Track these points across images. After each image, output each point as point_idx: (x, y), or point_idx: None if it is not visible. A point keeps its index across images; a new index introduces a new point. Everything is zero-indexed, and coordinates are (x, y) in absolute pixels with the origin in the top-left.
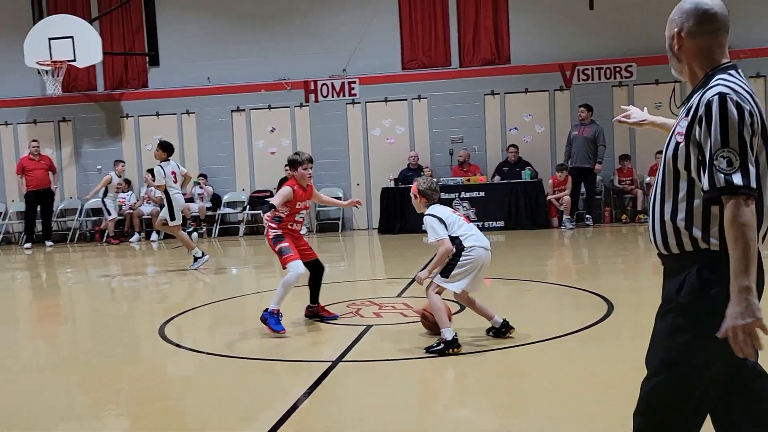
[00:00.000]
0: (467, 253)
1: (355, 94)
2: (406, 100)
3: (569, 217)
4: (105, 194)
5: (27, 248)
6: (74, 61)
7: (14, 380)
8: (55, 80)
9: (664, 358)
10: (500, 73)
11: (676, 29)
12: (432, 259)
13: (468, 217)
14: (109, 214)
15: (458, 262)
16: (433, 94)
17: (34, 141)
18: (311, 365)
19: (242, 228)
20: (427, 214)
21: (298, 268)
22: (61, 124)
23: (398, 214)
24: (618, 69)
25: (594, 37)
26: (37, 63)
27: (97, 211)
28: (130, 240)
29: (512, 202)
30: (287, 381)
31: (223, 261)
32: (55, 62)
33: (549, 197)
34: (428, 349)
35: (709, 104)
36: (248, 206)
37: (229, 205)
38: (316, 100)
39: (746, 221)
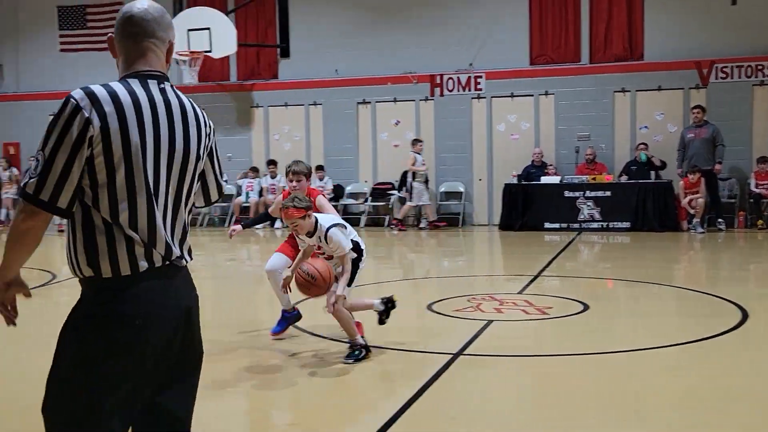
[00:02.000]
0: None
1: (480, 89)
2: (532, 96)
3: (699, 220)
4: (243, 176)
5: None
6: (210, 52)
7: None
8: (192, 70)
9: None
10: (632, 69)
11: None
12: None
13: None
14: (239, 195)
15: (360, 267)
16: (560, 90)
17: None
18: (432, 356)
19: (363, 219)
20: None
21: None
22: None
23: (520, 211)
24: (760, 67)
25: (735, 34)
26: (176, 54)
27: (226, 197)
28: (256, 227)
29: (639, 203)
30: (408, 370)
31: None
32: (192, 53)
33: (683, 199)
34: (347, 358)
35: None
36: (370, 198)
37: (351, 196)
38: (442, 94)
39: None
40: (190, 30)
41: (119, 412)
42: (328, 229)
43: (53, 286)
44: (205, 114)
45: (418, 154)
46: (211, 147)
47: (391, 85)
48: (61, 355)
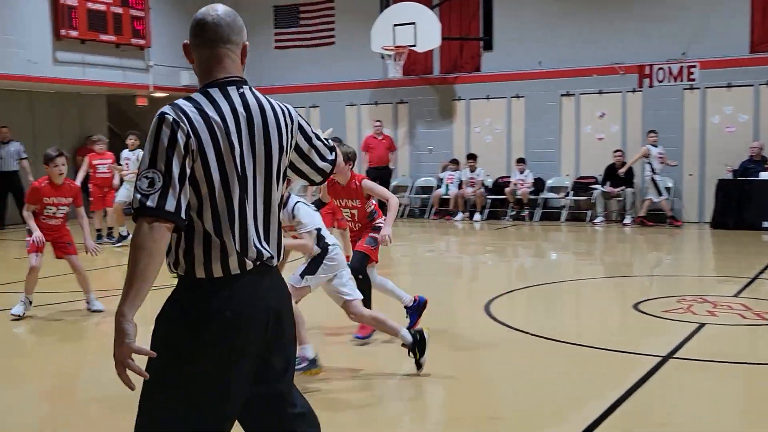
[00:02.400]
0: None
1: (693, 79)
2: (752, 86)
3: None
4: (444, 169)
5: None
6: (415, 46)
7: None
8: (397, 64)
9: None
10: None
11: None
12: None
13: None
14: (439, 187)
15: (325, 264)
16: None
17: (378, 121)
18: (640, 358)
19: (564, 213)
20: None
21: None
22: (399, 106)
23: (735, 208)
24: None
25: None
26: (382, 48)
27: (427, 189)
28: (455, 219)
29: None
30: (614, 371)
31: (543, 246)
32: (397, 47)
33: None
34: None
35: None
36: (571, 192)
37: (552, 190)
38: (651, 85)
39: None
40: (395, 25)
41: (216, 410)
42: (295, 204)
43: None
44: (287, 108)
45: (653, 146)
46: (296, 140)
47: (596, 76)
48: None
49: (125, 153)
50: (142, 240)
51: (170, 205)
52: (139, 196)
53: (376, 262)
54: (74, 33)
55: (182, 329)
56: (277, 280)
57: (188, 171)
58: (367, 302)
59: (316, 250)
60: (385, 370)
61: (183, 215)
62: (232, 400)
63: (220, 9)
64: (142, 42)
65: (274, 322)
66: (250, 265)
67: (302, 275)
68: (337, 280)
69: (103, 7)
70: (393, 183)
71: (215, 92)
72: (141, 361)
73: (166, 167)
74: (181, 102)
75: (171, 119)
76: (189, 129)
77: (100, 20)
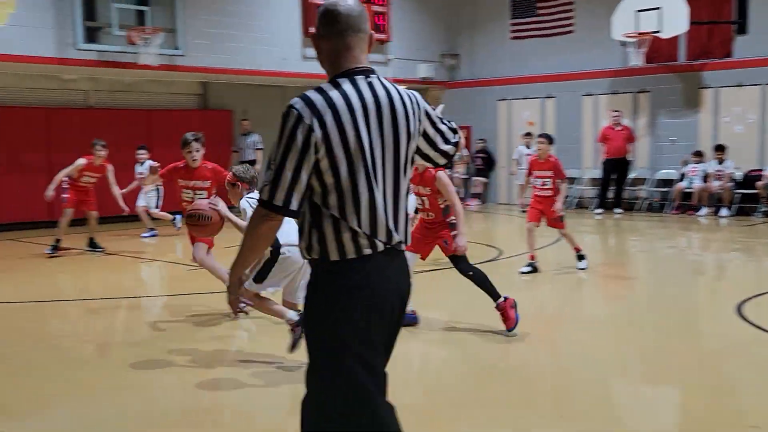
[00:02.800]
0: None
1: None
2: None
3: None
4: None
5: (597, 214)
6: (659, 32)
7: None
8: (639, 52)
9: None
10: None
11: None
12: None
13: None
14: (681, 180)
15: (278, 265)
16: None
17: (616, 111)
18: None
19: None
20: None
21: None
22: (639, 95)
23: None
24: None
25: None
26: (624, 35)
27: (667, 182)
28: (698, 214)
29: None
30: None
31: None
32: (641, 34)
33: None
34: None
35: None
36: None
37: None
38: None
39: None
40: (639, 11)
41: (365, 371)
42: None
43: (500, 261)
44: (414, 95)
45: None
46: (423, 126)
47: None
48: (306, 326)
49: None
50: (253, 225)
51: (278, 200)
52: (266, 188)
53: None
54: None
55: (322, 306)
56: (404, 264)
57: (306, 166)
58: (493, 293)
59: (266, 254)
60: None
61: (294, 207)
62: (376, 366)
63: (349, 0)
64: (383, 36)
65: (399, 303)
66: (380, 246)
67: (254, 280)
68: (293, 283)
69: None
70: (631, 175)
71: (344, 83)
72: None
73: (281, 162)
74: (311, 93)
75: (296, 114)
76: (313, 123)
77: None
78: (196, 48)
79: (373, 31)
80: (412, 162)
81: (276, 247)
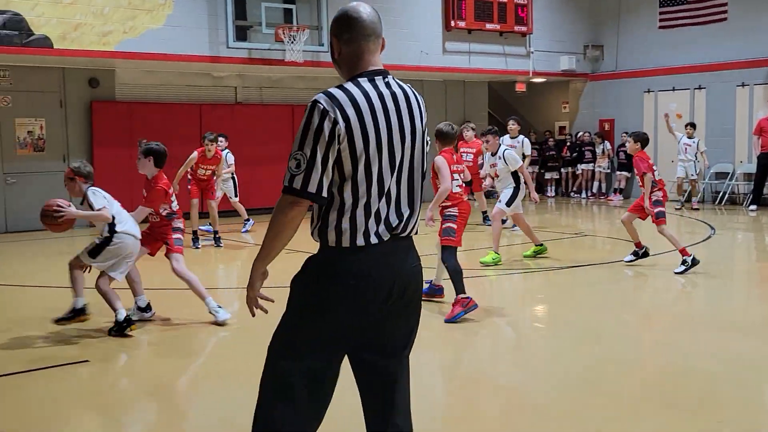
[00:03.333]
0: (117, 237)
1: None
2: None
3: None
4: None
5: (752, 210)
6: None
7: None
8: None
9: None
10: None
11: None
12: None
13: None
14: None
15: (107, 246)
16: None
17: None
18: None
19: None
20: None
21: None
22: None
23: None
24: None
25: None
26: None
27: None
28: None
29: None
30: None
31: None
32: None
33: None
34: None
35: None
36: None
37: None
38: None
39: None
40: None
41: (322, 358)
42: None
43: (648, 259)
44: (419, 95)
45: None
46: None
47: None
48: (288, 303)
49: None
50: (281, 213)
51: (312, 187)
52: (288, 175)
53: (459, 245)
54: (462, 24)
55: (315, 288)
56: (410, 253)
57: (332, 155)
58: (459, 288)
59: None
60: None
61: (324, 194)
62: (340, 345)
63: (368, 6)
64: (524, 29)
65: (398, 289)
66: (386, 235)
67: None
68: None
69: None
70: None
71: (364, 82)
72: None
73: (311, 152)
74: (333, 90)
75: (321, 108)
76: (337, 116)
77: (486, 10)
78: None
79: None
80: (426, 157)
81: (113, 230)
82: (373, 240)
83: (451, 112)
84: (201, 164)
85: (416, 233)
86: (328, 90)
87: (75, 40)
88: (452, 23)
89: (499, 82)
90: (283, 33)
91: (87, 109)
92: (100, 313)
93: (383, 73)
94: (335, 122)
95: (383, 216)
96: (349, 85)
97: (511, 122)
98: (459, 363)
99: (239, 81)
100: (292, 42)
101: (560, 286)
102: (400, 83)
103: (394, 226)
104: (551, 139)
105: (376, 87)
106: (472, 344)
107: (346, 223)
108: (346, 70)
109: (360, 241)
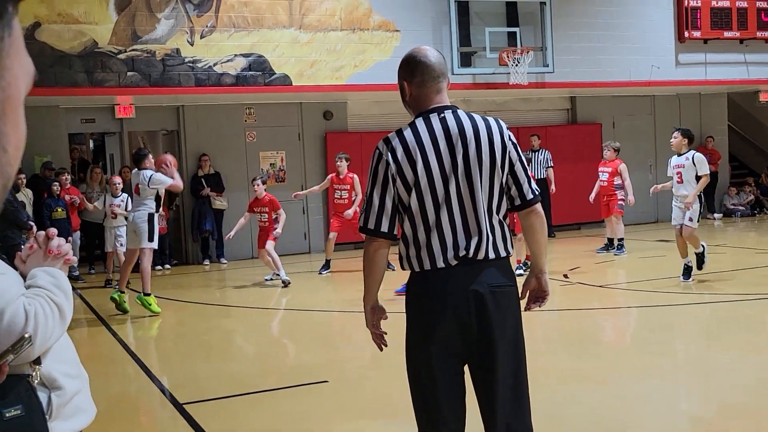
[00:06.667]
0: None
1: None
2: None
3: None
4: None
5: None
6: None
7: None
8: None
9: None
10: None
11: None
12: None
13: None
14: None
15: None
16: None
17: None
18: None
19: None
20: None
21: None
22: None
23: None
24: None
25: None
26: None
27: None
28: None
29: None
30: None
31: None
32: None
33: None
34: None
35: None
36: None
37: None
38: None
39: None
40: None
41: (426, 376)
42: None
43: None
44: (498, 124)
45: None
46: (509, 155)
47: None
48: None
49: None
50: (365, 252)
51: (383, 226)
52: (362, 215)
53: None
54: (697, 33)
55: (408, 306)
56: (486, 273)
57: (390, 194)
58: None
59: None
60: None
61: (385, 230)
62: (435, 369)
63: (434, 50)
64: None
65: (475, 306)
66: (453, 261)
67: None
68: None
69: (727, 4)
70: None
71: (419, 121)
72: None
73: (375, 193)
74: (392, 133)
75: (378, 152)
76: (388, 157)
77: (724, 17)
78: (564, 63)
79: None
80: (498, 182)
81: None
82: (440, 264)
83: (687, 127)
84: (335, 185)
85: (499, 256)
86: (389, 134)
87: (311, 76)
88: (686, 34)
89: (739, 93)
90: (507, 56)
91: (322, 141)
92: (344, 340)
93: (440, 109)
94: (387, 163)
95: (449, 243)
96: (405, 127)
97: (675, 134)
98: None
99: (464, 106)
100: (516, 65)
101: None
102: (463, 115)
103: (461, 250)
104: None
105: (428, 123)
106: None
107: (414, 252)
108: (414, 110)
109: (427, 266)
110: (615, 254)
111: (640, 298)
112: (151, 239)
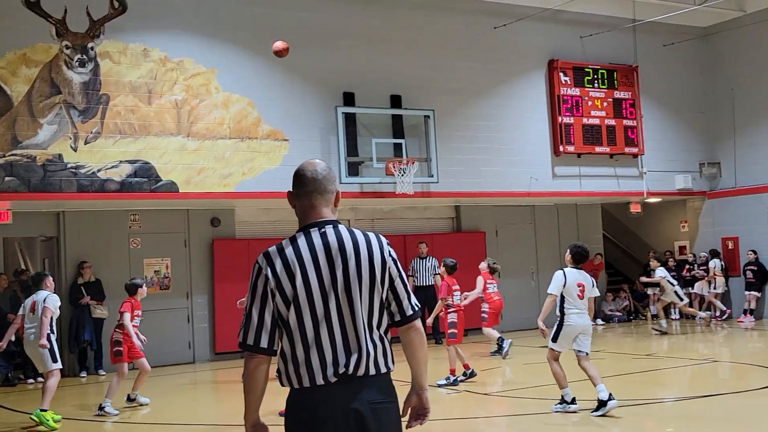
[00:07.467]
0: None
1: None
2: None
3: None
4: None
5: None
6: None
7: None
8: None
9: None
10: None
11: None
12: None
13: None
14: None
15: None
16: None
17: None
18: None
19: None
20: None
21: None
22: None
23: None
24: None
25: None
26: None
27: None
28: None
29: None
30: None
31: None
32: None
33: None
34: None
35: None
36: None
37: None
38: None
39: None
40: None
41: None
42: None
43: None
44: (379, 240)
45: None
46: (389, 270)
47: None
48: None
49: None
50: (245, 368)
51: (262, 342)
52: (241, 330)
53: None
54: (571, 148)
55: (286, 422)
56: (367, 391)
57: (269, 309)
58: None
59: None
60: None
61: (264, 345)
62: None
63: (318, 164)
64: (635, 150)
65: (355, 424)
66: (333, 378)
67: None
68: None
69: (597, 122)
70: None
71: (300, 235)
72: None
73: (255, 308)
74: (271, 247)
75: (258, 266)
76: (267, 271)
77: (595, 134)
78: (449, 174)
79: (339, 189)
80: (377, 299)
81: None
82: (319, 381)
83: (564, 236)
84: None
85: (380, 372)
86: (269, 248)
87: (198, 183)
88: (561, 148)
89: (612, 203)
90: (394, 166)
91: (209, 247)
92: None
93: (321, 224)
94: (266, 278)
95: (329, 360)
96: (285, 241)
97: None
98: None
99: (352, 214)
100: (402, 174)
101: None
102: (344, 231)
103: (341, 367)
104: (671, 260)
105: (309, 238)
106: None
107: (292, 368)
108: (300, 223)
109: (306, 383)
110: (502, 355)
111: (511, 405)
112: (54, 360)
